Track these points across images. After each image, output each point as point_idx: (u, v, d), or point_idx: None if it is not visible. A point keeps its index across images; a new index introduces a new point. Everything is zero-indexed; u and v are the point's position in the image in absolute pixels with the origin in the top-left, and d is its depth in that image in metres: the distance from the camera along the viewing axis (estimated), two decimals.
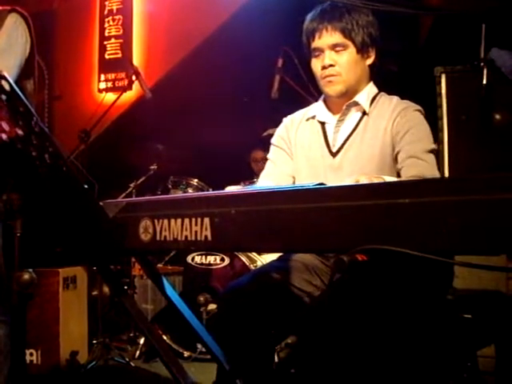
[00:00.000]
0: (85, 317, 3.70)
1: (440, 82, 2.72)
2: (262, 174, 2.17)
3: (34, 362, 3.36)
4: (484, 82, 2.46)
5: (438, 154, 2.01)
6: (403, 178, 1.89)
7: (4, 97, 1.29)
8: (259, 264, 3.39)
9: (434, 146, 1.96)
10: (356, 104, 2.05)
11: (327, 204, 1.03)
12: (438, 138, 2.70)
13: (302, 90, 3.33)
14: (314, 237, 1.05)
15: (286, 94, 3.45)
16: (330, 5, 2.02)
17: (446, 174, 2.68)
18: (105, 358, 3.45)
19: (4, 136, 1.31)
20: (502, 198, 0.87)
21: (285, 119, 2.21)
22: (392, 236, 0.96)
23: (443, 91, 2.72)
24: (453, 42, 3.85)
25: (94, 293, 3.95)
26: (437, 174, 1.92)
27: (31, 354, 3.36)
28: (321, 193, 1.08)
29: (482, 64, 2.47)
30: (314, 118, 2.12)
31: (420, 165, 1.88)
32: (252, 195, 1.18)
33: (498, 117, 2.54)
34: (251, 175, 4.36)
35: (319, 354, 1.70)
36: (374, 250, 0.97)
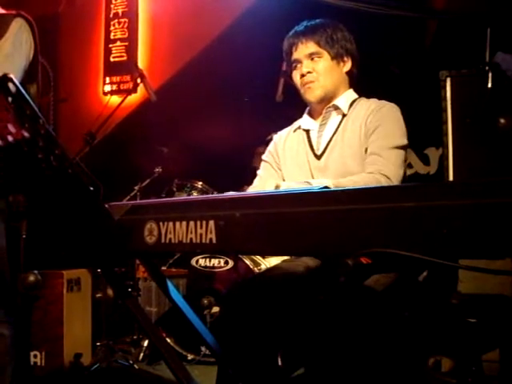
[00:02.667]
0: (89, 319, 3.71)
1: (445, 86, 2.72)
2: (249, 187, 2.30)
3: (38, 363, 3.37)
4: (489, 85, 2.46)
5: (406, 148, 2.03)
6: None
7: (10, 99, 1.29)
8: (263, 267, 3.39)
9: (400, 143, 2.01)
10: (336, 108, 2.16)
11: (332, 207, 1.03)
12: (442, 142, 2.70)
13: None
14: (319, 240, 1.05)
15: (290, 97, 3.45)
16: (305, 23, 2.17)
17: (451, 177, 2.68)
18: (108, 360, 3.45)
19: (10, 138, 1.31)
20: (506, 202, 0.87)
21: (274, 136, 2.35)
22: (397, 239, 0.96)
23: (448, 95, 2.72)
24: (458, 45, 3.85)
25: (98, 295, 3.95)
26: (393, 171, 1.95)
27: (35, 356, 3.37)
28: (326, 196, 1.08)
29: (487, 68, 2.47)
30: (299, 127, 2.25)
31: (378, 162, 1.96)
32: (257, 198, 1.18)
33: (502, 121, 2.53)
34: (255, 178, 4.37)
35: (323, 356, 1.70)
36: (379, 253, 0.97)
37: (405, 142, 2.03)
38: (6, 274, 2.27)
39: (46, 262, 2.99)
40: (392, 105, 2.09)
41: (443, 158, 2.72)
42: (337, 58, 2.13)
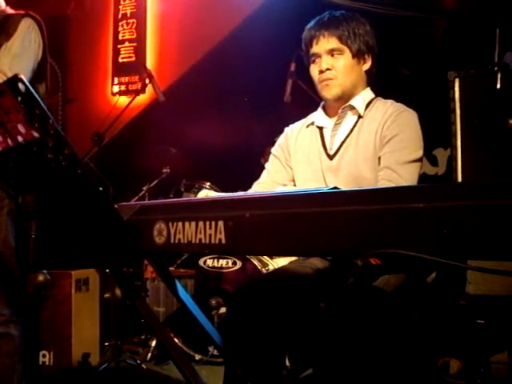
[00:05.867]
0: (97, 319, 3.72)
1: (453, 87, 2.71)
2: (255, 182, 2.26)
3: (47, 363, 3.38)
4: (498, 86, 2.45)
5: (422, 160, 1.97)
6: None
7: (20, 99, 1.30)
8: (271, 268, 3.38)
9: (416, 156, 1.95)
10: (352, 108, 2.10)
11: (341, 208, 1.03)
12: (451, 143, 2.69)
13: (315, 94, 3.33)
14: (328, 241, 1.04)
15: (299, 98, 3.45)
16: (328, 15, 2.10)
17: (459, 178, 2.67)
18: (116, 360, 3.46)
19: (20, 138, 1.32)
20: None
21: (286, 128, 2.29)
22: (406, 240, 0.96)
23: (457, 95, 2.71)
24: (466, 46, 3.84)
25: (106, 295, 3.96)
26: None
27: (43, 356, 3.38)
28: (335, 197, 1.08)
29: (495, 68, 2.46)
30: (313, 123, 2.20)
31: (392, 178, 1.90)
32: (266, 199, 1.18)
33: (511, 121, 2.53)
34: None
35: (331, 357, 1.70)
36: (388, 254, 0.96)
37: (421, 153, 1.97)
38: (15, 274, 2.28)
39: (55, 262, 3.00)
40: (410, 111, 2.02)
41: (451, 159, 2.71)
42: (358, 55, 2.07)
